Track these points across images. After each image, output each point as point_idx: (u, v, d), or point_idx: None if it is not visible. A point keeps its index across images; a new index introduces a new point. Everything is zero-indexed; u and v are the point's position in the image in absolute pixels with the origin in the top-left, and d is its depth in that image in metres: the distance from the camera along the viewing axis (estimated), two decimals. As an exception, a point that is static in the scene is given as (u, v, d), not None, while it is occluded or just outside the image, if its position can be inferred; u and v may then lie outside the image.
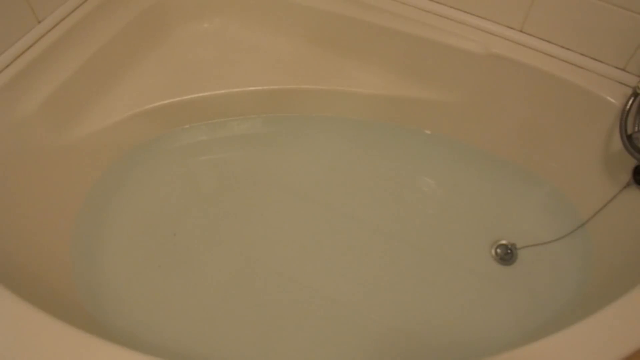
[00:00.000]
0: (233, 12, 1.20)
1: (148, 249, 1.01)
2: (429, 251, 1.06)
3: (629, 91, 0.91)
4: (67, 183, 0.96)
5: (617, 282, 0.87)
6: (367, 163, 1.19)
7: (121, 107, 1.02)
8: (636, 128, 0.90)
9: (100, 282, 0.93)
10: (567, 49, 0.99)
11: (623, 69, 0.96)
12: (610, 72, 0.97)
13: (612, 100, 0.94)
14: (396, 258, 1.05)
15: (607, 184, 1.00)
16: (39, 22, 0.90)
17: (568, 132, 1.05)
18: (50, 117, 0.91)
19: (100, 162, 1.04)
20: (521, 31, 1.02)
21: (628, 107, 0.89)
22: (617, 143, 0.97)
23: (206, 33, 1.19)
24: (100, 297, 0.91)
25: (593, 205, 1.02)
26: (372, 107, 1.18)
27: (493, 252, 1.07)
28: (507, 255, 1.07)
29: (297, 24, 1.17)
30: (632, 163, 0.94)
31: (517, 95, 1.06)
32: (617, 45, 0.94)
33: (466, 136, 1.19)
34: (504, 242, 1.08)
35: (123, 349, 0.59)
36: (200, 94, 1.09)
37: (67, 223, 0.95)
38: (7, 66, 0.85)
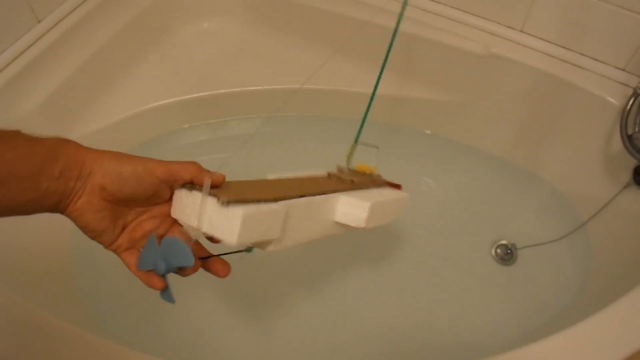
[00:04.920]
0: (233, 12, 1.20)
1: (148, 248, 1.00)
2: (428, 251, 1.06)
3: (629, 91, 0.91)
4: (67, 183, 0.96)
5: (617, 282, 0.87)
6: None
7: (121, 107, 1.02)
8: (636, 128, 0.90)
9: (100, 282, 0.93)
10: (567, 49, 0.99)
11: (623, 69, 0.96)
12: (610, 72, 0.97)
13: (612, 100, 0.94)
14: (395, 258, 1.05)
15: (607, 184, 1.00)
16: (39, 21, 0.90)
17: (568, 132, 1.05)
18: (50, 117, 0.90)
19: (100, 162, 1.04)
20: (521, 31, 1.02)
21: (628, 107, 0.89)
22: (617, 143, 0.97)
23: (206, 33, 1.19)
24: (100, 297, 0.91)
25: (593, 205, 1.02)
26: (372, 107, 1.18)
27: (493, 252, 1.07)
28: (507, 255, 1.07)
29: (297, 24, 1.17)
30: (632, 163, 0.94)
31: (517, 95, 1.06)
32: (617, 45, 0.94)
33: (466, 136, 1.19)
34: (504, 242, 1.08)
35: (123, 349, 0.59)
36: (200, 94, 1.09)
37: (67, 222, 0.95)
38: (7, 66, 0.85)
